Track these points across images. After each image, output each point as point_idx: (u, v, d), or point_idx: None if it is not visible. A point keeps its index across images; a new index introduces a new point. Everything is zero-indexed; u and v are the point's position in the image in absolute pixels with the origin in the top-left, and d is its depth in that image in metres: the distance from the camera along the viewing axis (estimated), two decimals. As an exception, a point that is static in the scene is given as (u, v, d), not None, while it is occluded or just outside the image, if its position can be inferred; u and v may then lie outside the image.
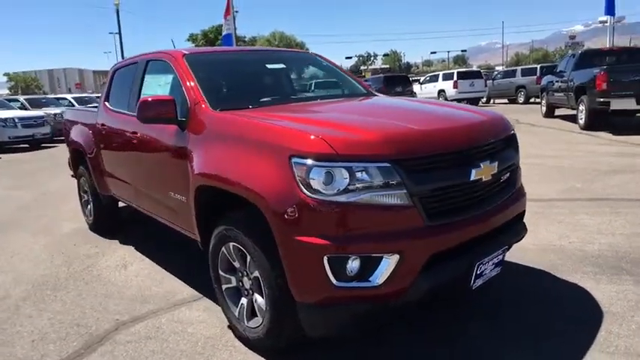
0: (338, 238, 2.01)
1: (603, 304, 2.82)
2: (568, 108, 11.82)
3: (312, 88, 3.89)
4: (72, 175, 5.79)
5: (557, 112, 13.34)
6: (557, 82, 12.36)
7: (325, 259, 2.00)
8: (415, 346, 2.51)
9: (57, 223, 5.47)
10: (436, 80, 23.34)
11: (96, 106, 5.04)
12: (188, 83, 2.97)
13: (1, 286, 3.67)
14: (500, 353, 2.40)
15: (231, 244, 2.49)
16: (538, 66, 21.42)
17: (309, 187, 2.01)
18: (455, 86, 21.43)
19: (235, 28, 19.05)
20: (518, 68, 23.29)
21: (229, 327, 2.76)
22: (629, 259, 3.41)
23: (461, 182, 2.22)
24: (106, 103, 4.26)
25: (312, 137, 2.06)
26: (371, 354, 2.47)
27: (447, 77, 22.65)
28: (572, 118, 11.64)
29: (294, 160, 2.04)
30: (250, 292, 2.49)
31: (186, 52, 3.28)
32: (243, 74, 3.49)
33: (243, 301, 2.55)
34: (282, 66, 3.75)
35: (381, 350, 2.49)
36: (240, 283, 2.56)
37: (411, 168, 2.06)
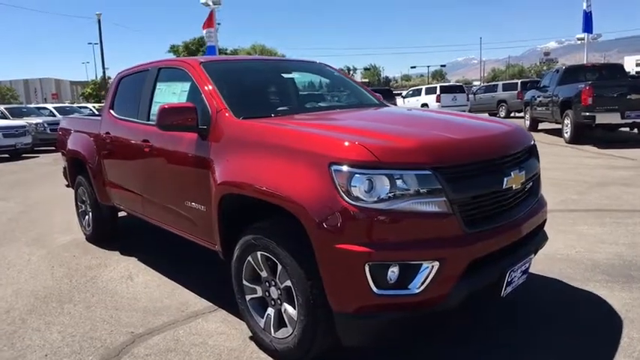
0: (379, 246, 2.00)
1: (620, 311, 2.87)
2: (552, 122, 12.15)
3: (325, 97, 3.90)
4: (67, 185, 5.64)
5: (541, 126, 13.69)
6: (541, 96, 12.71)
7: (367, 267, 1.99)
8: (446, 353, 2.51)
9: (50, 234, 5.30)
10: (419, 94, 23.72)
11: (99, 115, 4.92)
12: (208, 91, 2.94)
13: (2, 299, 3.52)
14: (530, 361, 2.42)
15: (259, 253, 2.44)
16: (519, 81, 21.99)
17: (350, 194, 2.00)
18: (438, 100, 21.81)
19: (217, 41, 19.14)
20: (500, 83, 23.90)
21: (251, 338, 2.70)
22: (637, 267, 3.50)
23: (495, 190, 2.25)
24: (111, 111, 4.18)
25: (354, 145, 2.06)
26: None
27: (430, 91, 23.07)
28: (556, 132, 11.96)
29: (334, 167, 2.04)
30: (278, 302, 2.44)
31: (203, 60, 3.25)
32: (259, 83, 3.48)
33: (270, 311, 2.50)
34: (295, 75, 3.75)
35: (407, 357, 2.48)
36: (267, 293, 2.52)
37: (451, 176, 2.08)
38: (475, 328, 2.78)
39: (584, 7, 19.25)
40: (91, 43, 50.46)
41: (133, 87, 3.96)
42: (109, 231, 4.78)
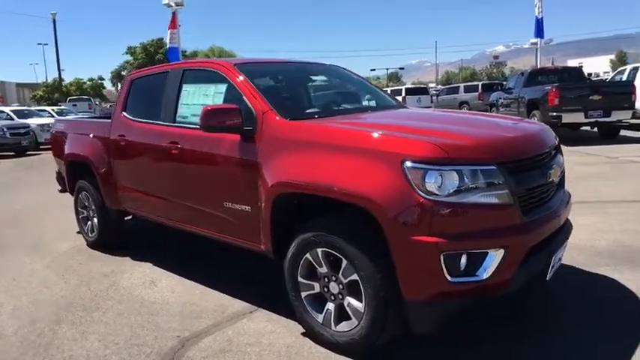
0: (452, 236, 2.13)
1: (635, 291, 3.15)
2: (518, 122, 12.77)
3: (353, 98, 3.99)
4: (60, 190, 5.46)
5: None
6: (506, 98, 13.36)
7: (442, 256, 2.11)
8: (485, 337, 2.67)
9: (47, 241, 5.09)
10: (385, 96, 24.28)
11: (98, 116, 4.79)
12: (250, 93, 2.98)
13: (20, 310, 3.38)
14: (570, 339, 2.62)
15: (319, 250, 2.51)
16: (480, 83, 22.97)
17: (424, 189, 2.12)
18: (403, 101, 22.42)
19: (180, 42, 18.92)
20: (461, 85, 24.86)
21: (304, 334, 2.75)
22: (638, 252, 3.82)
23: (543, 182, 2.45)
24: (124, 113, 4.09)
25: (425, 143, 2.21)
26: (451, 351, 2.59)
27: (395, 93, 23.69)
28: (523, 131, 12.62)
29: (407, 164, 2.15)
30: (339, 296, 2.52)
31: (237, 62, 3.28)
32: (294, 84, 3.54)
33: (330, 306, 2.57)
34: (322, 77, 3.83)
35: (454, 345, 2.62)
36: (325, 289, 2.59)
37: (511, 170, 2.26)
38: (508, 312, 2.96)
39: (536, 13, 20.36)
40: (40, 44, 48.10)
41: (150, 89, 3.91)
42: (117, 236, 4.66)
